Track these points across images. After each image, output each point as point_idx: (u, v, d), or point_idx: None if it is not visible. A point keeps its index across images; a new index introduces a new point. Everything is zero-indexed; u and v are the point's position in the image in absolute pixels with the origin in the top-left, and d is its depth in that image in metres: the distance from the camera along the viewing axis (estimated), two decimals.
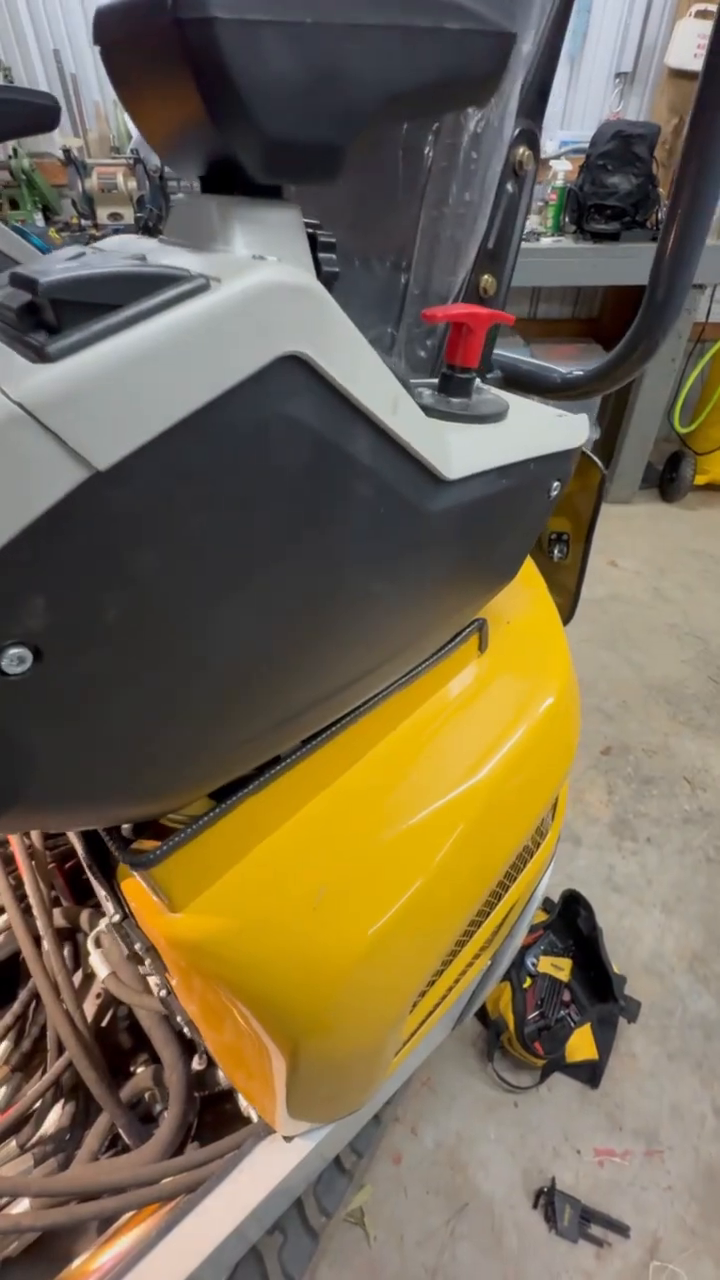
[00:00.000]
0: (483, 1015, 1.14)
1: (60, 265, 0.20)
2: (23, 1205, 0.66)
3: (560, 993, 1.14)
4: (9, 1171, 0.69)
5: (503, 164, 0.54)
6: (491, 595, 0.49)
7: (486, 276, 0.58)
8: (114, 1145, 0.76)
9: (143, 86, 0.24)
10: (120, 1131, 0.72)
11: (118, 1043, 0.81)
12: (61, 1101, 0.78)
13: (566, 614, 0.75)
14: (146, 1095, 0.78)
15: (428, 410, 0.40)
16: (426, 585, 0.40)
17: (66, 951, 0.80)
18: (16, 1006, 0.80)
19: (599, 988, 1.15)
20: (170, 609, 0.26)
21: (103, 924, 0.76)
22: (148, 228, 0.89)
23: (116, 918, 0.52)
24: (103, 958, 0.73)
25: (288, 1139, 0.61)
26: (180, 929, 0.42)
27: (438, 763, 0.47)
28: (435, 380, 0.46)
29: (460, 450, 0.36)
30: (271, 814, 0.43)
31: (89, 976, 0.82)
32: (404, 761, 0.47)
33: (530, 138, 0.55)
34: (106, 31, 0.23)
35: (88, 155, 2.63)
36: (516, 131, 0.53)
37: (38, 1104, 0.73)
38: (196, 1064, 0.73)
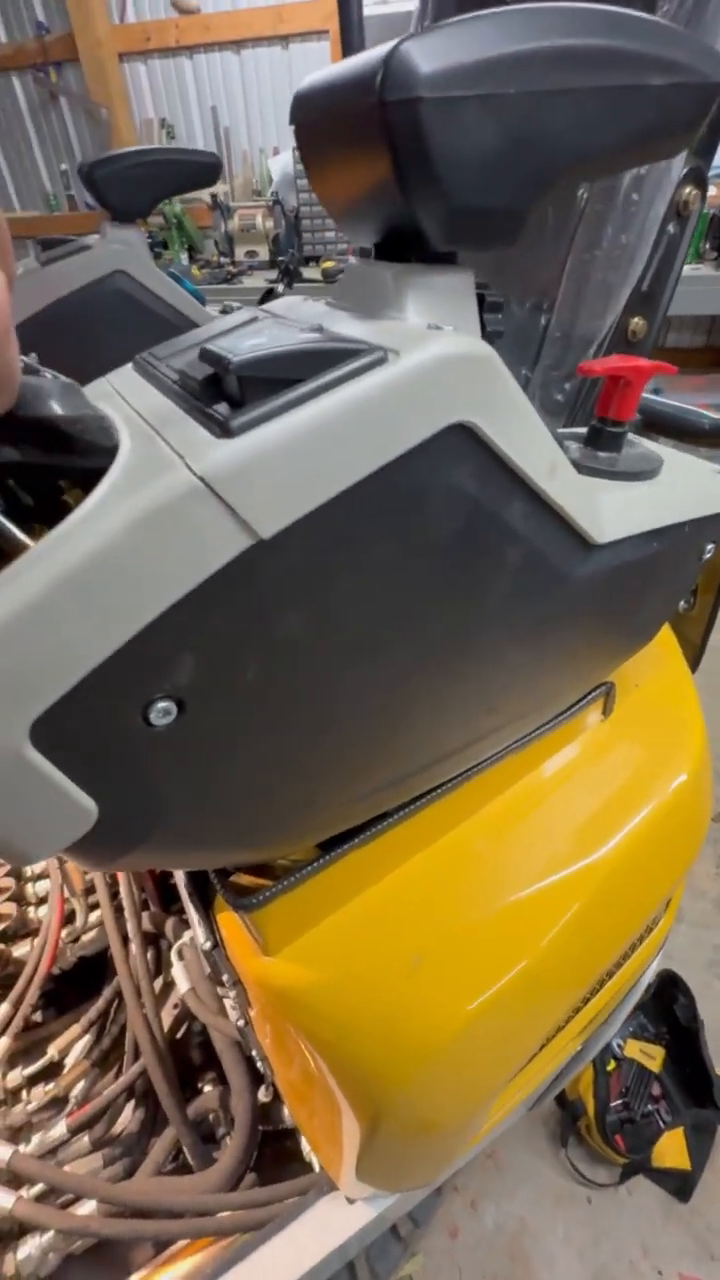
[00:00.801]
0: (559, 1094, 1.05)
1: (248, 342, 0.21)
2: (89, 1206, 0.68)
3: (649, 1084, 1.03)
4: (79, 1168, 0.72)
5: (666, 204, 0.52)
6: (625, 660, 0.46)
7: (637, 319, 0.55)
8: (176, 1158, 0.77)
9: (334, 160, 0.24)
10: (185, 1149, 0.72)
11: (189, 1056, 0.82)
12: (133, 1104, 0.80)
13: (689, 667, 0.69)
14: (211, 1116, 0.78)
15: (576, 466, 0.38)
16: (559, 649, 0.38)
17: (150, 955, 0.82)
18: (100, 1003, 0.83)
19: (696, 1088, 1.03)
20: (308, 669, 0.26)
21: (186, 936, 0.78)
22: (288, 270, 0.94)
23: (207, 945, 0.53)
24: (184, 971, 0.74)
25: (350, 1200, 0.59)
26: (272, 973, 0.41)
27: (551, 834, 0.44)
28: (581, 430, 0.43)
29: (611, 512, 0.34)
30: (374, 868, 0.42)
31: (169, 985, 0.84)
32: (514, 828, 0.45)
33: (698, 176, 0.52)
34: (306, 111, 0.24)
35: (231, 199, 2.83)
36: (684, 170, 0.51)
37: (111, 1104, 0.75)
38: (263, 1095, 0.73)
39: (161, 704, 0.24)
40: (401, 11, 2.22)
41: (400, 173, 0.21)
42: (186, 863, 0.37)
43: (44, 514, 0.23)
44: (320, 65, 2.47)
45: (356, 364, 0.21)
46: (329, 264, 2.39)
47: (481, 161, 0.22)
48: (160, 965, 0.85)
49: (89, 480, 0.23)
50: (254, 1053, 0.65)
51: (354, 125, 0.22)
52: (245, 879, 0.40)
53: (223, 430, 0.20)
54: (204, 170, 0.81)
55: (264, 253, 2.66)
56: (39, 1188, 0.69)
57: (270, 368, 0.20)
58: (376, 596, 0.26)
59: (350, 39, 1.03)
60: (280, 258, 2.37)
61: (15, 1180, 0.68)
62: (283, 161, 2.73)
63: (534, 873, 0.43)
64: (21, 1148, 0.71)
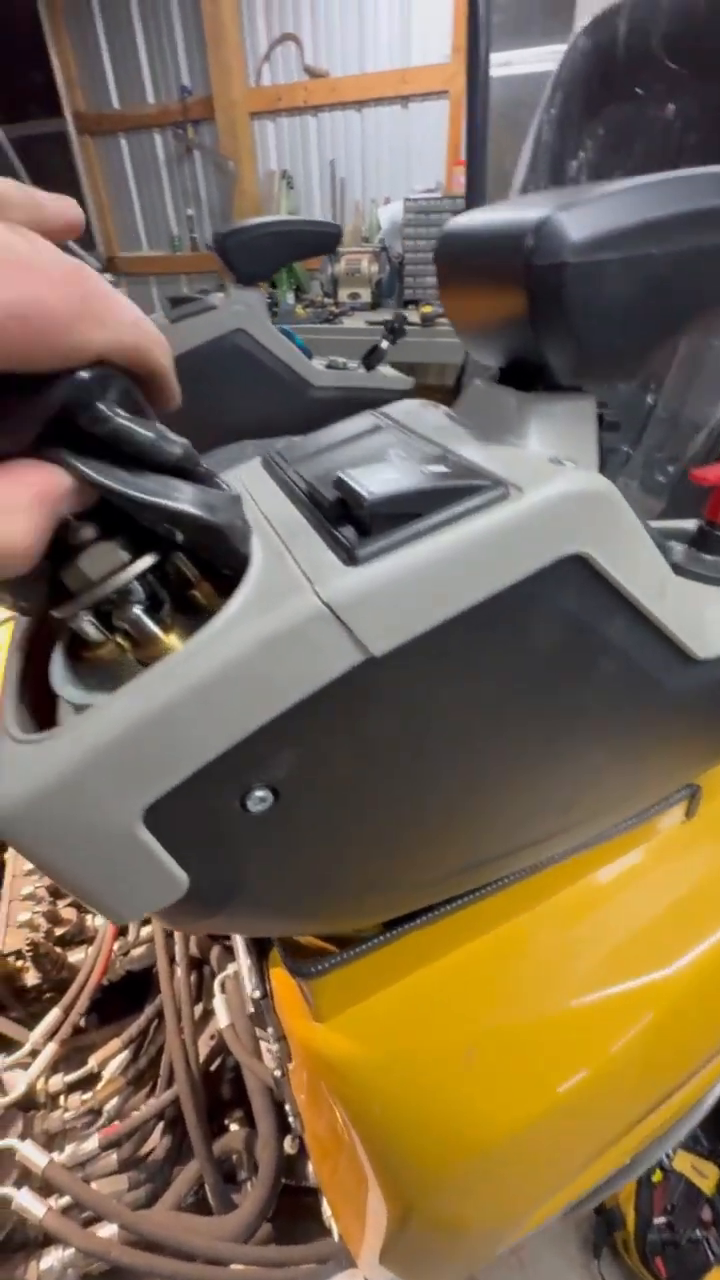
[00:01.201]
0: None
1: (379, 475, 0.22)
2: (110, 1228, 0.69)
3: (699, 1206, 0.94)
4: (105, 1186, 0.73)
5: None
6: (715, 765, 0.44)
7: None
8: (198, 1191, 0.77)
9: (471, 292, 0.26)
10: (206, 1186, 0.73)
11: (219, 1089, 0.82)
12: (161, 1128, 0.81)
13: None
14: (234, 1156, 0.78)
15: (679, 569, 0.38)
16: (646, 754, 0.37)
17: (193, 979, 0.84)
18: (142, 1021, 0.85)
19: None
20: (398, 767, 0.27)
21: (230, 969, 0.79)
22: (394, 329, 0.98)
23: (256, 994, 0.54)
24: (224, 1005, 0.75)
25: None
26: (320, 1040, 0.41)
27: (624, 938, 0.43)
28: (686, 526, 0.43)
29: (717, 625, 0.33)
30: (435, 949, 0.41)
31: (208, 1013, 0.85)
32: (584, 925, 0.43)
33: None
34: (451, 247, 0.26)
35: (340, 244, 2.98)
36: None
37: (141, 1126, 0.77)
38: (289, 1147, 0.72)
39: (259, 793, 0.25)
40: (519, 74, 2.29)
41: (536, 319, 0.23)
42: (257, 930, 0.38)
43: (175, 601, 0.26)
44: (438, 123, 2.57)
45: (480, 500, 0.22)
46: (428, 309, 2.47)
47: (616, 313, 0.23)
48: (202, 990, 0.87)
49: (215, 573, 0.25)
50: (286, 1104, 0.65)
51: (497, 273, 0.23)
52: (304, 939, 0.41)
53: (349, 558, 0.21)
54: (326, 239, 0.86)
55: (366, 295, 2.77)
56: (66, 1199, 0.70)
57: (400, 505, 0.21)
58: (471, 705, 0.26)
59: (475, 103, 1.06)
60: (385, 299, 2.45)
61: (46, 1188, 0.70)
62: (392, 211, 2.85)
63: (602, 976, 0.42)
64: (55, 1155, 0.73)
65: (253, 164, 3.24)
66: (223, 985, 0.78)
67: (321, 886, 0.31)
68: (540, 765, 0.32)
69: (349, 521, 0.23)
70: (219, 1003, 0.76)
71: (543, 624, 0.25)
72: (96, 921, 0.90)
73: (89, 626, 0.24)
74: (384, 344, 1.03)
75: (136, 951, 0.90)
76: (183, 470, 0.21)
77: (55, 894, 0.90)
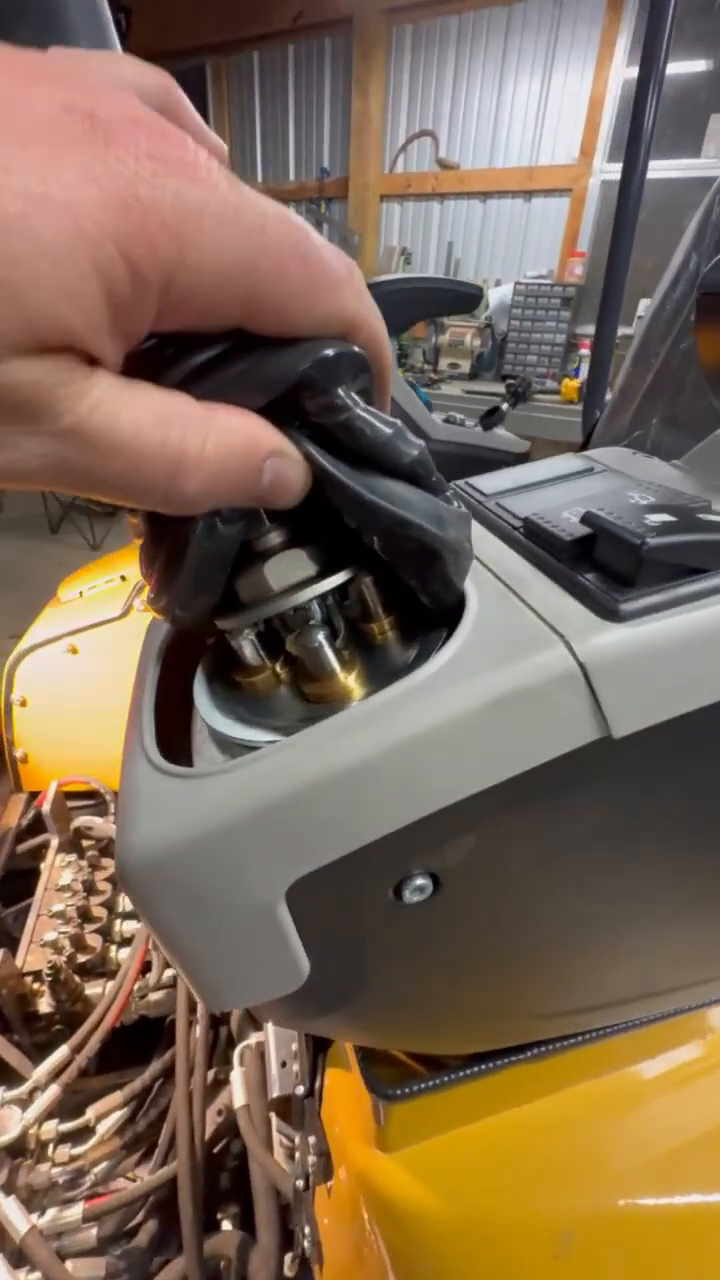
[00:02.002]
0: None
1: (647, 518, 0.18)
2: None
3: None
4: (81, 1270, 0.65)
5: None
6: None
7: None
8: None
9: None
10: None
11: (217, 1178, 0.74)
12: (146, 1209, 0.73)
13: None
14: (223, 1263, 0.68)
15: None
16: None
17: (209, 1036, 0.77)
18: (147, 1076, 0.78)
19: None
20: (589, 873, 0.22)
21: (252, 1038, 0.72)
22: (518, 393, 0.98)
23: (300, 1090, 0.47)
24: (242, 1081, 0.67)
25: None
26: (384, 1174, 0.34)
27: None
28: None
29: None
30: (539, 1088, 0.34)
31: (219, 1082, 0.77)
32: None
33: None
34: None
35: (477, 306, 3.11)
36: None
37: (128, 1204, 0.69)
38: (289, 1268, 0.62)
39: (419, 880, 0.20)
40: (662, 179, 2.37)
41: None
42: (356, 1038, 0.33)
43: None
44: (557, 217, 2.70)
45: None
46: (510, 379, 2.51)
47: None
48: (215, 1051, 0.79)
49: (400, 608, 0.22)
50: (301, 1213, 0.56)
51: None
52: (382, 1051, 0.34)
53: (610, 612, 0.17)
54: (465, 300, 0.87)
55: (465, 366, 2.86)
56: (37, 1276, 0.63)
57: (682, 555, 0.17)
58: (694, 814, 0.21)
59: (627, 200, 1.08)
60: (483, 372, 2.52)
61: (19, 1257, 0.63)
62: (502, 292, 2.97)
63: None
64: (36, 1218, 0.66)
65: (376, 239, 3.46)
66: (241, 1056, 0.70)
67: (448, 999, 0.26)
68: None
69: (597, 569, 0.18)
70: (236, 1077, 0.68)
71: None
72: (120, 955, 0.85)
73: (249, 647, 0.21)
74: (504, 406, 1.02)
75: (155, 996, 0.84)
76: (414, 477, 0.17)
77: (84, 916, 0.85)
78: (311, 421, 0.17)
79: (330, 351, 0.16)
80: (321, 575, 0.20)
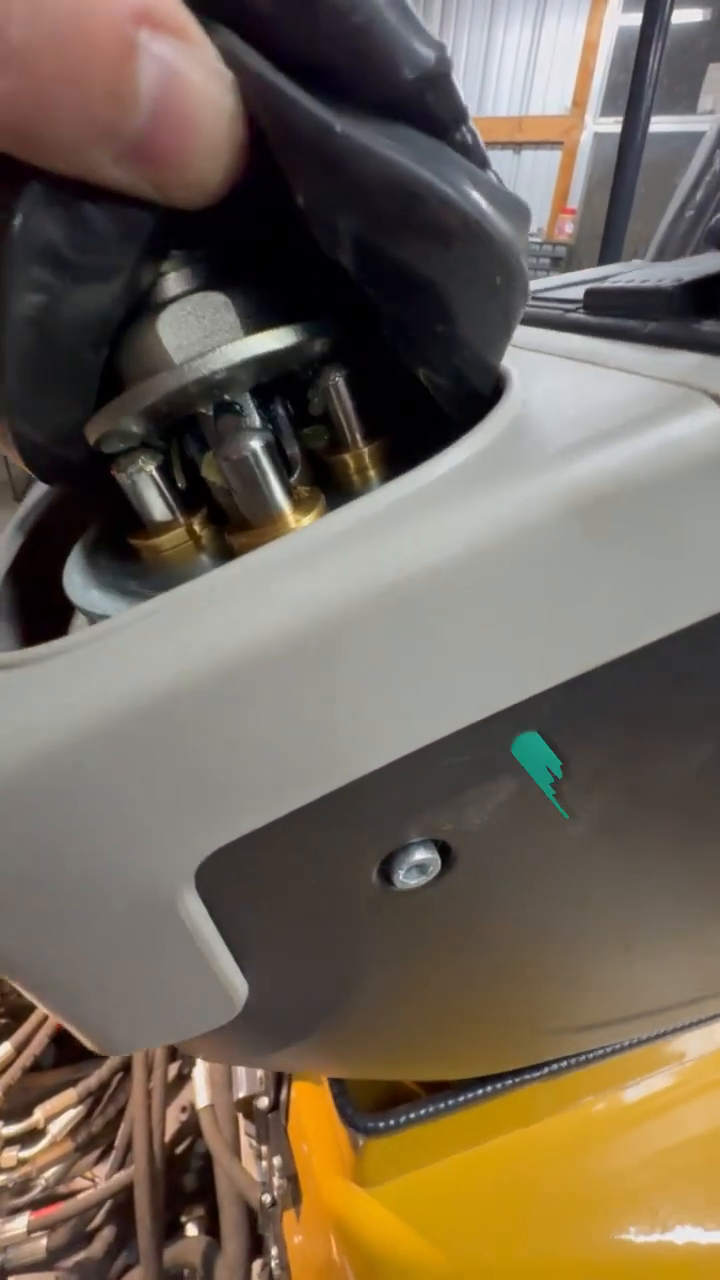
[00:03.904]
0: None
1: None
2: None
3: None
4: None
5: None
6: None
7: None
8: None
9: None
10: None
11: (180, 1179, 0.67)
12: (102, 1215, 0.66)
13: None
14: (187, 1271, 0.62)
15: None
16: None
17: None
18: (104, 1071, 0.71)
19: None
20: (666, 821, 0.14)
21: None
22: None
23: (264, 1103, 0.40)
24: (206, 1078, 0.61)
25: None
26: (362, 1213, 0.28)
27: None
28: None
29: None
30: (529, 1112, 0.28)
31: (182, 1077, 0.71)
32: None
33: None
34: None
35: None
36: None
37: (81, 1214, 0.62)
38: (257, 1276, 0.57)
39: (420, 855, 0.13)
40: (657, 133, 2.29)
41: None
42: (317, 1069, 0.25)
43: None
44: (548, 172, 2.60)
45: None
46: None
47: None
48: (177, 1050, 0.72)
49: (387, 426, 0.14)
50: (268, 1230, 0.50)
51: None
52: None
53: None
54: None
55: None
56: None
57: None
58: None
59: (628, 156, 1.07)
60: None
61: None
62: None
63: None
64: None
65: None
66: None
67: (443, 1019, 0.18)
68: None
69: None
70: (199, 1074, 0.62)
71: None
72: None
73: (147, 484, 0.13)
74: None
75: None
76: (429, 116, 0.09)
77: None
78: None
79: None
80: (260, 328, 0.11)
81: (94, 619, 0.12)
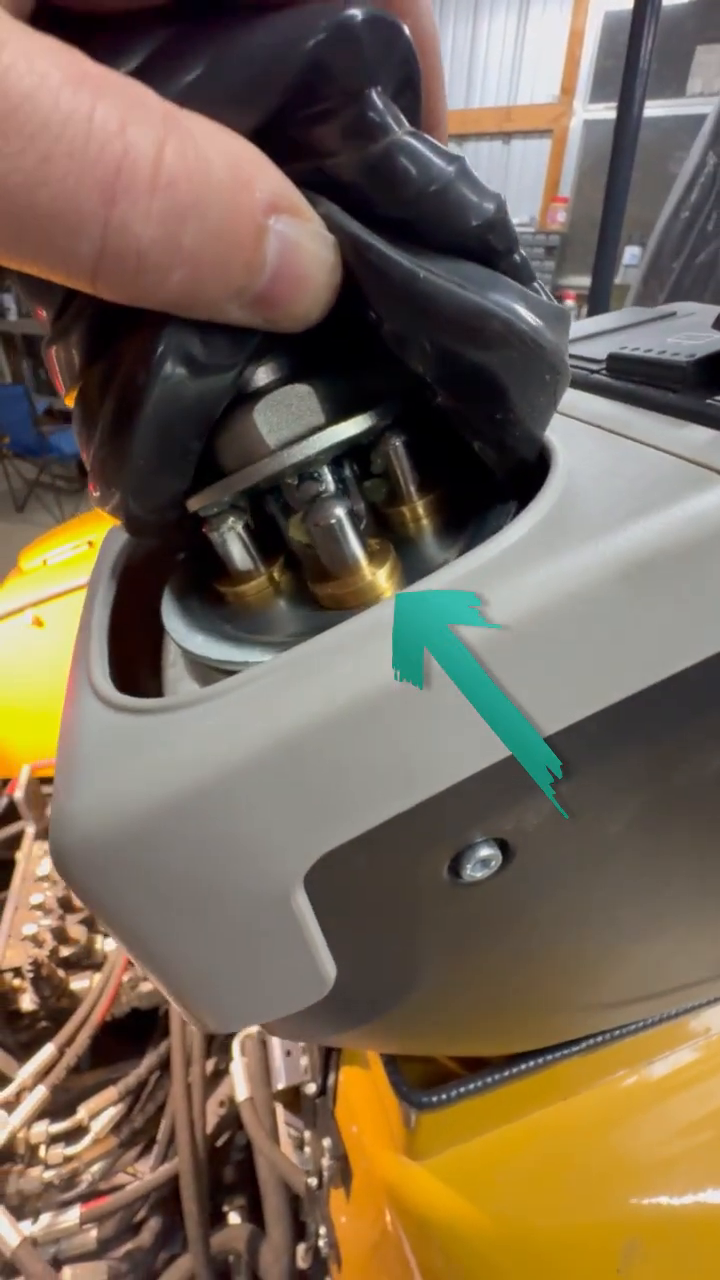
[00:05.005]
0: None
1: None
2: None
3: None
4: (82, 1276, 0.61)
5: None
6: None
7: None
8: None
9: None
10: None
11: (221, 1171, 0.70)
12: (148, 1207, 0.69)
13: None
14: (232, 1258, 0.65)
15: None
16: None
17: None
18: (142, 1070, 0.73)
19: None
20: (686, 829, 0.16)
21: (255, 1028, 0.67)
22: None
23: (311, 1088, 0.42)
24: (244, 1072, 0.63)
25: None
26: (417, 1187, 0.30)
27: None
28: None
29: None
30: (584, 1087, 0.30)
31: (219, 1073, 0.73)
32: None
33: None
34: None
35: None
36: None
37: (129, 1205, 0.65)
38: (301, 1259, 0.59)
39: (484, 851, 0.15)
40: (646, 117, 2.28)
41: None
42: (377, 1047, 0.27)
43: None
44: (538, 161, 2.59)
45: None
46: None
47: None
48: (213, 1040, 0.75)
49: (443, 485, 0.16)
50: (316, 1212, 0.52)
51: None
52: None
53: None
54: None
55: None
56: None
57: None
58: None
59: (623, 144, 1.05)
60: None
61: (10, 1270, 0.59)
62: None
63: None
64: (29, 1225, 0.61)
65: None
66: (242, 1046, 0.66)
67: (501, 997, 0.20)
68: None
69: None
70: (237, 1068, 0.64)
71: None
72: (107, 945, 0.79)
73: (235, 542, 0.15)
74: None
75: (147, 986, 0.79)
76: (489, 251, 0.11)
77: (66, 906, 0.80)
78: (327, 168, 0.11)
79: (355, 13, 0.10)
80: (335, 421, 0.14)
81: (194, 658, 0.15)
